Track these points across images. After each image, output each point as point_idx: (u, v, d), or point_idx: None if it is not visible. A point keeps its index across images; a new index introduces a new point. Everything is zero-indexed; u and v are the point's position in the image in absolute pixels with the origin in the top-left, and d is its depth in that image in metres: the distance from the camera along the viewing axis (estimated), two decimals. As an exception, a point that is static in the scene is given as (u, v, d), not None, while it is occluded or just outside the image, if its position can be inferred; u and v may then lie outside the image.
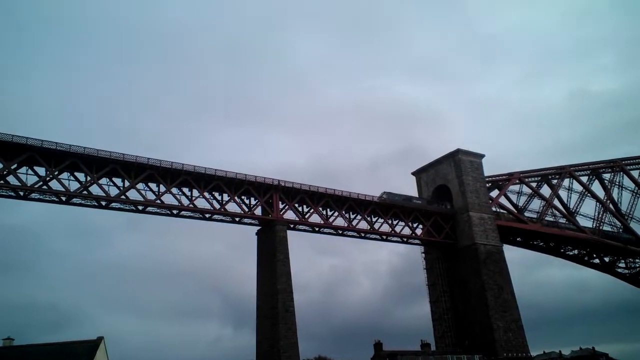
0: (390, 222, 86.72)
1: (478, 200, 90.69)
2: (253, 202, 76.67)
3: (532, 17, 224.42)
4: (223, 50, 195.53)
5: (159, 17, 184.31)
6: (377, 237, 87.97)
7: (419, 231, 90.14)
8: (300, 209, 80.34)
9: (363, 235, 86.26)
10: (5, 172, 60.38)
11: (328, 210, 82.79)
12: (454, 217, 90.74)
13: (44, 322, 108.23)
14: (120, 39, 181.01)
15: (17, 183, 61.00)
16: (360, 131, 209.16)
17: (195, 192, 72.09)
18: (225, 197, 74.46)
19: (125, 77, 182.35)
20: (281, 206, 77.89)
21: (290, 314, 69.40)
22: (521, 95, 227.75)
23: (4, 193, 61.44)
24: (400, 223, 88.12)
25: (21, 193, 62.21)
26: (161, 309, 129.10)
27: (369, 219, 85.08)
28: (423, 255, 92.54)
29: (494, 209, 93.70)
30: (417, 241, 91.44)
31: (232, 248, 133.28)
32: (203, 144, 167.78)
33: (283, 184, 76.99)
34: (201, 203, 72.35)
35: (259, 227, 77.75)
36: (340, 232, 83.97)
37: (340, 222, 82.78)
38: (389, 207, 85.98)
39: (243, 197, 76.30)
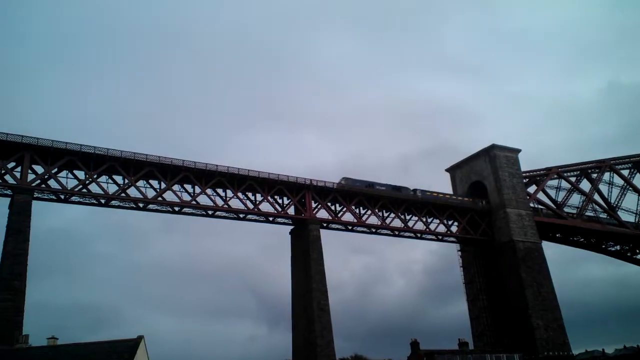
0: (424, 219, 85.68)
1: (515, 196, 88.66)
2: (286, 201, 77.00)
3: (564, 11, 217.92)
4: (249, 52, 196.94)
5: (185, 19, 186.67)
6: (412, 235, 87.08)
7: (454, 228, 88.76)
8: (332, 207, 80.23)
9: (397, 233, 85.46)
10: (46, 176, 62.28)
11: (361, 208, 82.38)
12: (490, 214, 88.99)
13: (87, 322, 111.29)
14: (144, 43, 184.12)
15: (57, 187, 62.82)
16: (390, 129, 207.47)
17: (229, 193, 72.83)
18: (259, 197, 74.98)
19: (154, 80, 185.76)
20: (314, 205, 77.94)
21: (326, 312, 69.37)
22: (555, 90, 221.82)
23: (45, 197, 63.31)
24: (435, 220, 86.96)
25: (62, 196, 63.96)
26: (198, 309, 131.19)
27: (402, 216, 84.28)
28: (459, 253, 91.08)
29: (531, 204, 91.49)
30: (452, 239, 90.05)
31: (266, 248, 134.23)
32: (235, 146, 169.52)
33: (315, 183, 77.01)
34: (235, 203, 73.16)
35: (292, 227, 78.04)
36: (374, 230, 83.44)
37: (373, 220, 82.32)
38: (423, 204, 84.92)
39: (276, 196, 76.64)
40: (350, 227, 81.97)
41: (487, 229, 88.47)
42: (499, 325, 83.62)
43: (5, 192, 60.05)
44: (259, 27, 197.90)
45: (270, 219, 76.70)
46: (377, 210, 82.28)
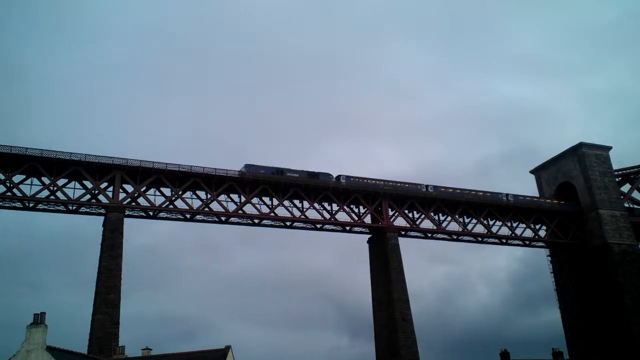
0: (509, 224, 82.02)
1: (607, 196, 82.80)
2: (362, 210, 76.69)
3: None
4: (319, 62, 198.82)
5: (256, 34, 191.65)
6: (496, 240, 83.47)
7: (542, 233, 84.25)
8: (410, 215, 78.75)
9: (480, 239, 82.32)
10: (136, 195, 65.95)
11: (440, 215, 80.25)
12: (581, 216, 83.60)
13: (176, 332, 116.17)
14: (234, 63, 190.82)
15: (146, 204, 66.35)
16: (466, 135, 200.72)
17: (306, 204, 73.63)
18: (335, 206, 75.27)
19: (236, 98, 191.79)
20: (390, 213, 76.94)
21: (408, 322, 67.95)
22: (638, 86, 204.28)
23: (135, 214, 66.96)
24: (521, 225, 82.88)
25: (151, 213, 67.44)
26: (280, 319, 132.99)
27: (485, 222, 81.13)
28: (549, 258, 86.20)
29: (626, 204, 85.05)
30: (540, 243, 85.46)
31: (344, 257, 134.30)
32: (309, 158, 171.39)
33: (391, 192, 76.00)
34: (312, 214, 73.86)
35: (369, 236, 77.43)
36: (455, 237, 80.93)
37: (453, 227, 79.86)
38: (507, 209, 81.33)
39: (352, 206, 76.54)
40: (429, 235, 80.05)
41: (578, 233, 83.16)
42: (595, 334, 78.01)
43: (99, 210, 64.19)
44: (325, 41, 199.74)
45: (347, 228, 76.58)
46: (457, 216, 79.78)
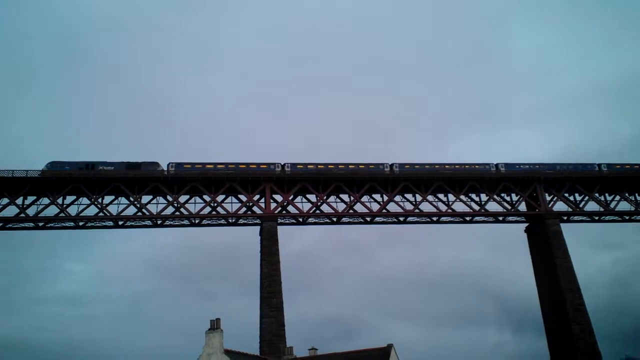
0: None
1: None
2: (514, 198, 71.93)
3: None
4: (446, 52, 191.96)
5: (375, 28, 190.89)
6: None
7: None
8: (571, 198, 71.99)
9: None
10: (285, 203, 69.01)
11: (606, 195, 72.20)
12: None
13: (335, 332, 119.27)
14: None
15: (295, 211, 69.15)
16: (610, 110, 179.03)
17: (451, 197, 71.01)
18: (483, 197, 71.57)
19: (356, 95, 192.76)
20: (548, 198, 71.01)
21: (582, 313, 61.96)
22: None
23: (287, 221, 69.94)
24: None
25: (300, 219, 70.11)
26: (435, 316, 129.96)
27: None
28: None
29: None
30: None
31: (497, 249, 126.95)
32: (447, 149, 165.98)
33: (548, 175, 70.21)
34: (459, 207, 71.03)
35: (526, 224, 72.34)
36: (627, 217, 72.16)
37: (624, 206, 71.26)
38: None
39: (502, 194, 72.17)
40: (597, 218, 72.37)
41: None
42: None
43: (255, 221, 68.34)
44: (454, 27, 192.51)
45: (500, 218, 72.31)
46: (626, 194, 71.10)
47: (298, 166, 68.54)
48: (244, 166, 67.88)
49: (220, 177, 66.36)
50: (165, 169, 66.09)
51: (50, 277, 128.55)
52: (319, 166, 68.82)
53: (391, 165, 70.03)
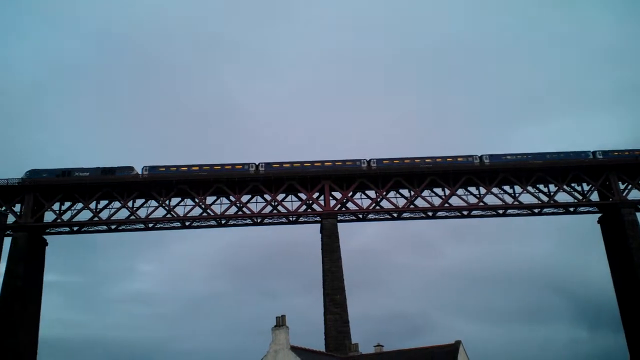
0: None
1: None
2: (585, 187, 68.54)
3: None
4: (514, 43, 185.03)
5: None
6: None
7: None
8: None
9: None
10: (344, 200, 68.92)
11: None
12: None
13: (400, 329, 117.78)
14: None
15: (355, 208, 68.86)
16: None
17: (517, 189, 68.55)
18: (552, 187, 68.62)
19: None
20: (622, 186, 67.14)
21: (665, 309, 58.22)
22: None
23: (346, 218, 69.70)
24: None
25: (360, 216, 69.84)
26: (503, 313, 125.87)
27: None
28: None
29: None
30: None
31: (568, 241, 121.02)
32: (509, 141, 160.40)
33: (618, 161, 66.47)
34: (526, 199, 68.46)
35: (599, 215, 68.76)
36: None
37: None
38: None
39: (572, 184, 68.95)
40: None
41: None
42: None
43: (315, 219, 68.71)
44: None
45: (571, 209, 69.11)
46: None
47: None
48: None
49: (279, 176, 67.18)
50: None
51: (124, 277, 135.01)
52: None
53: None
